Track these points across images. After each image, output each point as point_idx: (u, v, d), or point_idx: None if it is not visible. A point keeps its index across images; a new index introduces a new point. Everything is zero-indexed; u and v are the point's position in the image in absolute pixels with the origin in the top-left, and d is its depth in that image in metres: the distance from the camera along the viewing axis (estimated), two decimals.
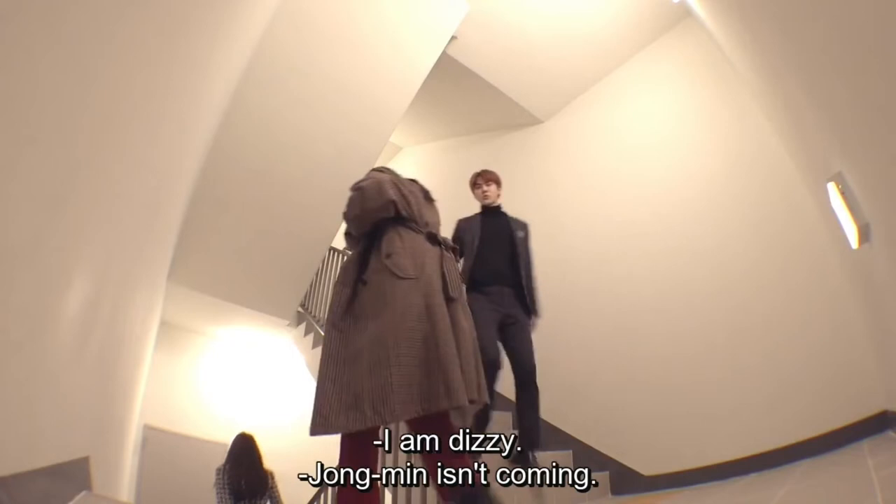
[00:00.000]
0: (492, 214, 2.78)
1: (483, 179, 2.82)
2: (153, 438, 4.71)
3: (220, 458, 4.83)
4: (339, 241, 4.59)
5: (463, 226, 2.76)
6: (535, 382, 2.42)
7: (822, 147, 1.93)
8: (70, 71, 1.02)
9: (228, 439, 5.22)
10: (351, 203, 1.66)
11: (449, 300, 1.53)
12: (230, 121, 3.66)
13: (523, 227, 2.78)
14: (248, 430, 3.89)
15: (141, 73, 1.45)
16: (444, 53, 4.06)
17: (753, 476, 2.37)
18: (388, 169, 1.89)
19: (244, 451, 3.65)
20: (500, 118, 4.80)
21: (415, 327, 1.41)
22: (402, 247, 1.56)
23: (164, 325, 4.78)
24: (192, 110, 2.30)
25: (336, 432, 1.39)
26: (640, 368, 3.21)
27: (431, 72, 4.06)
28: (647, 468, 2.95)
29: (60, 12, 0.93)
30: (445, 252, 1.65)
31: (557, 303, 3.27)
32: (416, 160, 6.15)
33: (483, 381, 1.58)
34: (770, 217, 2.88)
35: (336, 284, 1.61)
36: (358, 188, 1.66)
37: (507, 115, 4.71)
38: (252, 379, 5.92)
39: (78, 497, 1.35)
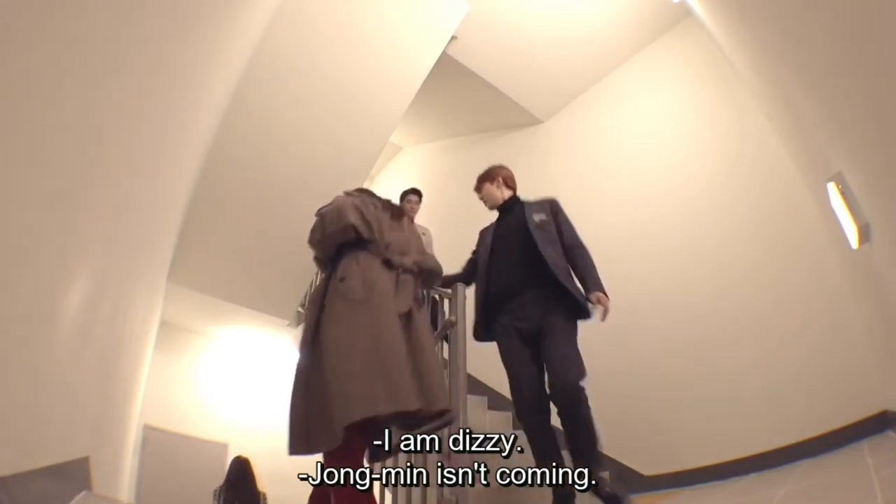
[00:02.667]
0: (505, 213, 2.37)
1: (477, 184, 2.48)
2: (153, 438, 4.70)
3: (220, 458, 4.84)
4: None
5: (479, 240, 2.42)
6: (573, 401, 1.90)
7: (822, 147, 1.93)
8: (73, 72, 1.02)
9: (228, 439, 5.24)
10: (313, 229, 1.72)
11: (408, 318, 1.59)
12: (230, 121, 3.66)
13: (545, 206, 2.30)
14: (243, 454, 4.13)
15: (143, 73, 1.45)
16: (444, 53, 4.06)
17: (753, 476, 2.37)
18: (362, 190, 1.93)
19: (239, 473, 3.92)
20: (500, 118, 4.80)
21: (358, 343, 1.46)
22: (357, 270, 1.62)
23: (164, 325, 4.78)
24: (192, 111, 2.30)
25: (312, 452, 1.45)
26: (640, 368, 3.21)
27: (431, 72, 4.06)
28: (647, 468, 2.94)
29: (64, 14, 0.93)
30: (401, 275, 1.69)
31: None
32: (416, 160, 6.15)
33: (446, 392, 1.58)
34: (770, 217, 2.87)
35: (307, 307, 1.69)
36: (320, 214, 1.72)
37: (507, 115, 4.71)
38: (252, 379, 5.92)
39: (78, 497, 1.35)
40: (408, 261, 1.75)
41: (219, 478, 4.15)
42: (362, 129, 4.19)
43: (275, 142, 4.03)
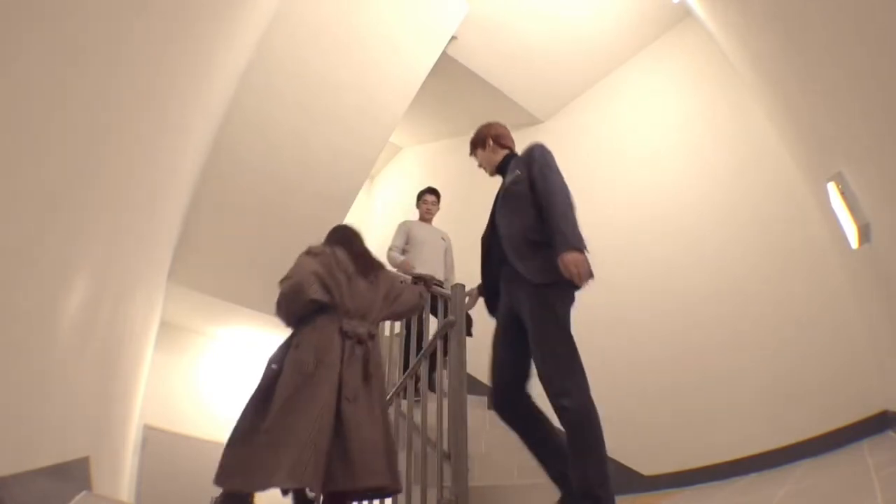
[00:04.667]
0: (504, 176, 2.02)
1: (471, 150, 2.20)
2: (153, 438, 4.70)
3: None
4: None
5: None
6: (564, 424, 1.67)
7: (822, 147, 1.93)
8: (74, 73, 1.02)
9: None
10: (277, 303, 1.77)
11: (354, 390, 1.65)
12: (230, 121, 3.66)
13: (524, 159, 1.96)
14: None
15: (144, 75, 1.45)
16: (443, 54, 4.06)
17: (753, 476, 2.37)
18: (338, 237, 1.98)
19: None
20: (499, 118, 4.72)
21: (297, 418, 1.56)
22: (311, 338, 1.69)
23: (164, 325, 4.78)
24: (192, 111, 2.30)
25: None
26: (640, 369, 3.21)
27: (431, 72, 4.06)
28: (647, 468, 2.94)
29: (66, 16, 0.93)
30: (356, 346, 1.72)
31: None
32: (416, 160, 6.15)
33: (380, 470, 1.61)
34: (771, 218, 2.87)
35: (268, 362, 1.81)
36: (281, 290, 1.76)
37: (507, 115, 4.69)
38: (252, 379, 5.92)
39: (78, 497, 1.35)
40: (363, 329, 1.77)
41: None
42: (361, 130, 4.18)
43: (274, 143, 4.02)
